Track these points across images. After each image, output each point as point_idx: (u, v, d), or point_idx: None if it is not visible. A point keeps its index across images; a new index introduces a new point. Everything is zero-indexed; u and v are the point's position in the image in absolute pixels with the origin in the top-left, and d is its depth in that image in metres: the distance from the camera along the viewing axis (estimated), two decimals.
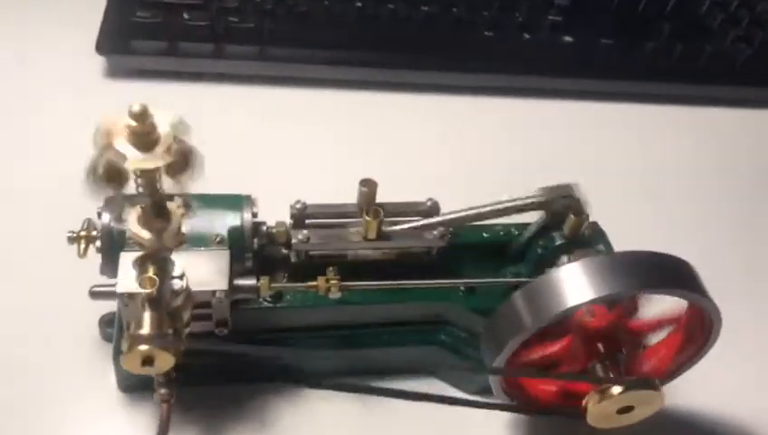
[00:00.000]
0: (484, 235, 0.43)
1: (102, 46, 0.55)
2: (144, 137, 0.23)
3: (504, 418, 0.41)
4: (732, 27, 0.64)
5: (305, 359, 0.41)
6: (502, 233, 0.43)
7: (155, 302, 0.28)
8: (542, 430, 0.41)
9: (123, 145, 0.23)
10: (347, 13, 0.59)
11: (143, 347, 0.28)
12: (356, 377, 0.41)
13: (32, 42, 0.59)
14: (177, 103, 0.58)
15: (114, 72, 0.56)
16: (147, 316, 0.28)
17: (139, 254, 0.28)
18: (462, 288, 0.40)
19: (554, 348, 0.37)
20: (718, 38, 0.64)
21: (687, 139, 0.60)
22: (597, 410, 0.34)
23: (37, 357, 0.41)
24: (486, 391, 0.41)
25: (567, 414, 0.37)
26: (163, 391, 0.30)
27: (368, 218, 0.37)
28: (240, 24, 0.57)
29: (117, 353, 0.38)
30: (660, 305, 0.36)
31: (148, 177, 0.24)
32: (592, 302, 0.32)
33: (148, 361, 0.28)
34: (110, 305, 0.40)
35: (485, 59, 0.60)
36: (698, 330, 0.35)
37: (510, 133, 0.58)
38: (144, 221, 0.27)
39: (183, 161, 0.24)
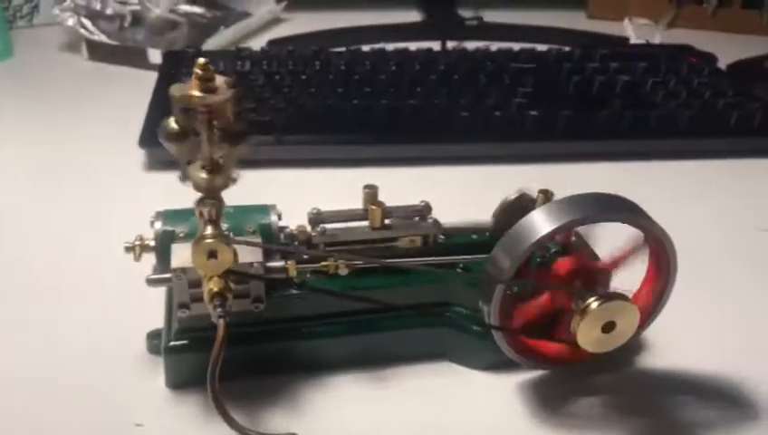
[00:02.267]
0: (474, 237, 0.50)
1: (144, 141, 0.66)
2: (208, 82, 0.32)
3: (513, 382, 0.46)
4: (673, 99, 0.76)
5: (324, 348, 0.46)
6: (488, 235, 0.50)
7: (215, 223, 0.35)
8: (551, 392, 0.45)
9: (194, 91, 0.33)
10: (345, 108, 0.71)
11: (209, 240, 0.35)
12: (370, 366, 0.47)
13: (86, 141, 0.72)
14: None
15: (153, 164, 0.67)
16: (209, 227, 0.35)
17: (198, 197, 0.36)
18: (459, 270, 0.47)
19: (541, 302, 0.43)
20: (662, 107, 0.75)
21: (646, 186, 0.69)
22: (583, 331, 0.39)
23: (91, 373, 0.46)
24: (497, 366, 0.46)
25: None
26: (219, 310, 0.37)
27: (373, 207, 0.45)
28: (258, 118, 0.68)
29: (167, 346, 0.44)
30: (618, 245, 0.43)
31: (214, 112, 0.33)
32: (552, 232, 0.39)
33: (212, 254, 0.35)
34: (157, 322, 0.47)
35: (463, 133, 0.71)
36: (661, 262, 0.41)
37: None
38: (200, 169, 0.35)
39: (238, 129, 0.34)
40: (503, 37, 0.89)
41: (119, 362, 0.47)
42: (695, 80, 0.80)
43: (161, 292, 0.47)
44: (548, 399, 0.45)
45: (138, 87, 0.80)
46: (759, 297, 0.54)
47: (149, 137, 0.67)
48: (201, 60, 0.32)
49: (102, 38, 0.91)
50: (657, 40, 1.03)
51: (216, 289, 0.37)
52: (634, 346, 0.48)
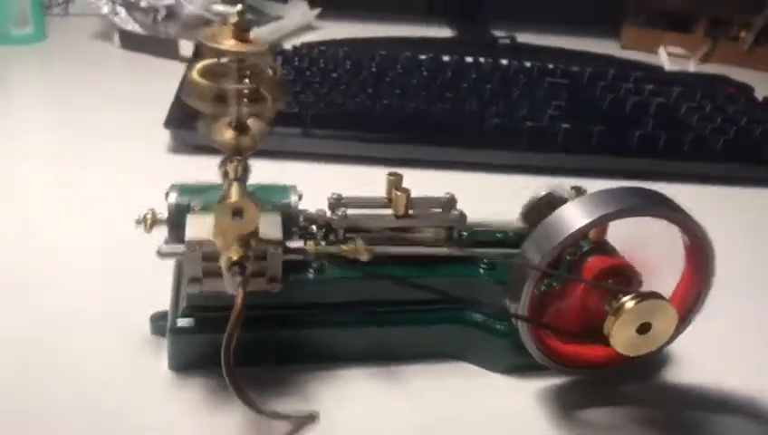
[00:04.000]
0: (498, 235, 0.48)
1: (169, 122, 0.65)
2: (243, 32, 0.31)
3: (534, 387, 0.44)
4: (708, 123, 0.74)
5: (337, 339, 0.44)
6: (512, 234, 0.48)
7: (240, 182, 0.34)
8: (573, 399, 0.43)
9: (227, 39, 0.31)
10: (375, 107, 0.70)
11: (235, 198, 0.33)
12: (383, 361, 0.45)
13: (111, 122, 0.72)
14: None
15: (177, 147, 0.66)
16: (235, 185, 0.34)
17: (222, 157, 0.35)
18: (483, 265, 0.45)
19: (570, 303, 0.41)
20: (697, 130, 0.73)
21: None
22: (618, 332, 0.37)
23: (92, 352, 0.44)
24: (518, 369, 0.44)
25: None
26: (238, 278, 0.35)
27: (398, 193, 0.43)
28: (286, 110, 0.67)
29: (173, 324, 0.43)
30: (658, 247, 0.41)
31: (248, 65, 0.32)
32: (587, 226, 0.37)
33: (238, 212, 0.34)
34: (162, 304, 0.45)
35: (493, 139, 0.69)
36: (699, 262, 0.39)
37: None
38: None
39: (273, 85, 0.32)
40: (535, 58, 0.88)
41: (121, 341, 0.45)
42: (731, 107, 0.78)
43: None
44: (570, 406, 0.43)
45: (167, 75, 0.80)
46: None
47: (175, 119, 0.66)
48: (240, 5, 0.30)
49: (136, 28, 0.92)
50: (691, 70, 1.02)
51: (235, 257, 0.35)
52: (661, 358, 0.46)
